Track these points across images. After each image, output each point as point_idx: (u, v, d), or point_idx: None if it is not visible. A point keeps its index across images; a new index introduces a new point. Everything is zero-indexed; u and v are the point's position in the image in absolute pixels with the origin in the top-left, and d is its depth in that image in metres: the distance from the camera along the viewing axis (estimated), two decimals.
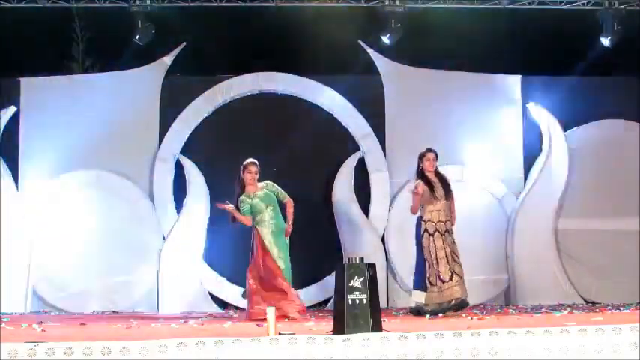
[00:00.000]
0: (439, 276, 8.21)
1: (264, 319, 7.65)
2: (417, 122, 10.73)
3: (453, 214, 8.48)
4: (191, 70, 10.74)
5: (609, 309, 9.15)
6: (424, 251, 8.32)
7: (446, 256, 8.26)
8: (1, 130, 10.23)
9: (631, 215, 10.63)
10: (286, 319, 7.78)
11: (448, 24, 10.33)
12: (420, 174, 8.46)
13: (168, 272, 10.16)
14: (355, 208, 10.49)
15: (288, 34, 10.43)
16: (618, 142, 10.78)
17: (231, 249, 10.32)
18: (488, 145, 10.69)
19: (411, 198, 8.42)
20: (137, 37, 10.26)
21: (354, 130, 10.63)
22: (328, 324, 6.20)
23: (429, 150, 8.50)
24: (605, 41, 10.58)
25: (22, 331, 6.76)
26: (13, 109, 10.31)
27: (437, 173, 8.50)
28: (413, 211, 8.43)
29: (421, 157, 8.50)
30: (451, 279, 8.21)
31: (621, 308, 9.27)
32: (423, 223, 8.35)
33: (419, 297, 8.36)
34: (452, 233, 8.43)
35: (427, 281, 8.28)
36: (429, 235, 8.30)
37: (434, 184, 8.38)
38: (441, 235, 8.31)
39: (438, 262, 8.25)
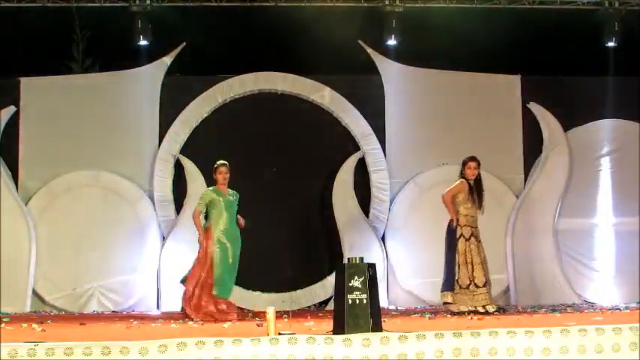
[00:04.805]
0: (474, 281, 8.42)
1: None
2: (416, 122, 10.74)
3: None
4: (191, 70, 10.74)
5: (609, 309, 9.16)
6: (458, 255, 8.47)
7: (481, 262, 8.49)
8: (1, 130, 10.24)
9: (631, 215, 10.63)
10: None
11: (448, 24, 10.33)
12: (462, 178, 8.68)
13: (168, 272, 10.16)
14: (355, 208, 10.49)
15: (288, 33, 10.43)
16: (618, 142, 10.78)
17: None
18: (488, 145, 10.68)
19: (447, 206, 8.60)
20: (137, 37, 10.26)
21: (354, 130, 10.62)
22: (328, 324, 6.20)
23: (472, 158, 8.67)
24: (606, 41, 10.59)
25: (22, 331, 6.76)
26: (13, 109, 10.32)
27: (477, 182, 8.69)
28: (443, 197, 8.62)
29: (464, 163, 8.68)
30: (484, 285, 8.44)
31: (621, 308, 9.28)
32: (459, 227, 8.53)
33: (447, 297, 8.51)
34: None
35: (456, 283, 8.43)
36: (466, 239, 8.50)
37: (473, 191, 8.62)
38: (477, 241, 8.52)
39: (473, 267, 8.44)
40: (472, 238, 8.50)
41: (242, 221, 8.59)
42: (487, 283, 8.48)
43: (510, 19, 10.63)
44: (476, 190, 8.64)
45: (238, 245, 8.58)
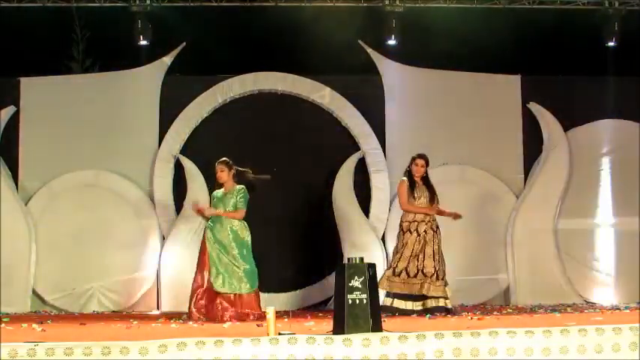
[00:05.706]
0: (394, 268, 8.63)
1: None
2: (417, 122, 10.74)
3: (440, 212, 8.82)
4: (191, 70, 10.74)
5: (609, 309, 9.16)
6: (397, 245, 8.77)
7: (411, 255, 8.60)
8: (1, 130, 10.24)
9: (631, 215, 10.62)
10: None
11: (448, 24, 10.33)
12: (407, 174, 8.82)
13: (168, 272, 10.16)
14: (355, 208, 10.49)
15: (288, 33, 10.43)
16: (618, 142, 10.78)
17: None
18: (488, 145, 10.69)
19: (409, 210, 8.81)
20: (137, 37, 10.26)
21: (354, 130, 10.62)
22: (328, 324, 6.20)
23: (420, 156, 8.80)
24: (606, 41, 10.59)
25: (22, 331, 6.76)
26: (13, 109, 10.32)
27: (425, 179, 8.81)
28: (401, 206, 8.86)
29: (412, 159, 8.83)
30: (416, 276, 8.54)
31: (621, 308, 9.28)
32: (400, 222, 8.81)
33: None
34: (435, 235, 8.68)
35: (390, 267, 8.70)
36: (403, 233, 8.72)
37: (415, 186, 8.74)
38: (415, 234, 8.64)
39: (400, 257, 8.62)
40: (408, 232, 8.66)
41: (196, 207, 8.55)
42: (406, 272, 8.54)
43: (510, 19, 10.62)
44: (425, 187, 8.76)
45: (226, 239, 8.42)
